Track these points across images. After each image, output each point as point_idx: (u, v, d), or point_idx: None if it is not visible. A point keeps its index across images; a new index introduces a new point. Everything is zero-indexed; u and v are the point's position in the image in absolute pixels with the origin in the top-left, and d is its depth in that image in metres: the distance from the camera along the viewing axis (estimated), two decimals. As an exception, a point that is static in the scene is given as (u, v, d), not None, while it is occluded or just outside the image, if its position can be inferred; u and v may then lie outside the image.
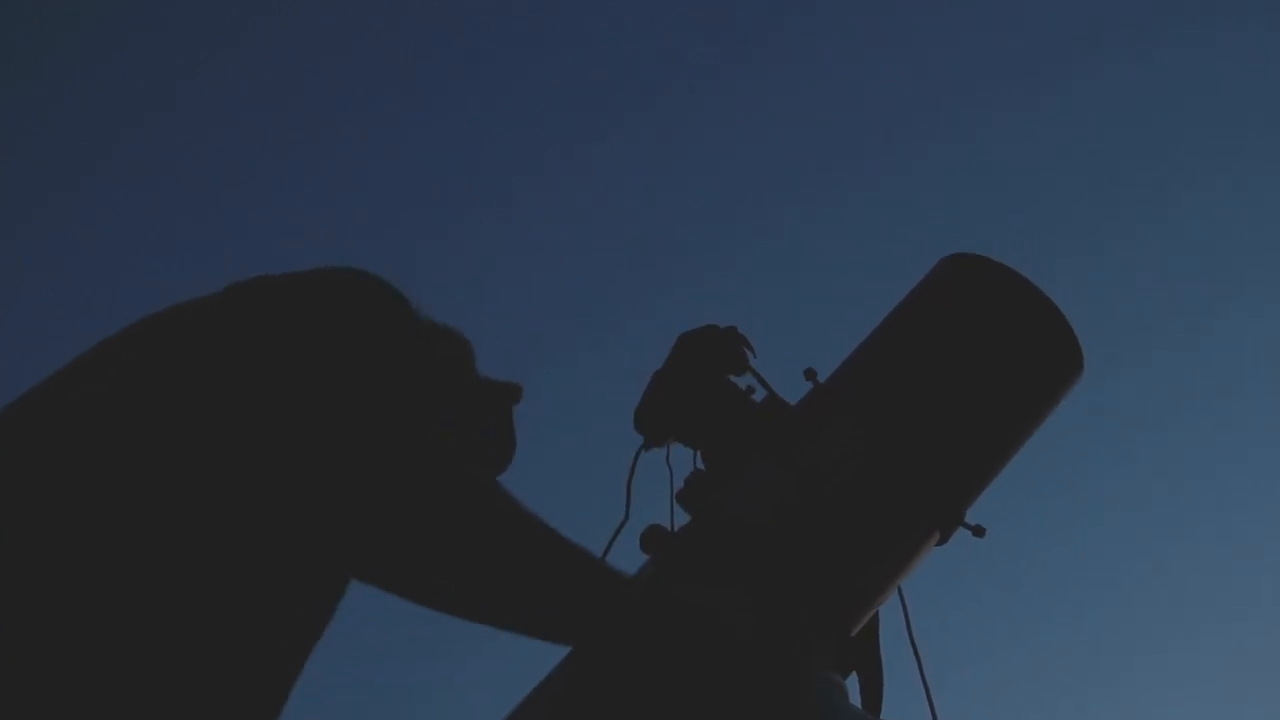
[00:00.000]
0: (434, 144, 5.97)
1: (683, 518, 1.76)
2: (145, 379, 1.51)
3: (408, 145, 5.98)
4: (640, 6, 6.03)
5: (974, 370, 1.77)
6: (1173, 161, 5.83)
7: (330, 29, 5.92)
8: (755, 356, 1.85)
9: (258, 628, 1.49)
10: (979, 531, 1.78)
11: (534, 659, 1.67)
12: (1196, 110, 5.81)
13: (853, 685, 1.73)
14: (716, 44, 6.00)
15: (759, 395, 1.83)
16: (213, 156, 5.85)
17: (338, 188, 5.88)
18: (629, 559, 1.76)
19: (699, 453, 1.82)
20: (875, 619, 1.78)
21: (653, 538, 1.67)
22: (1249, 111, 5.71)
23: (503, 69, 5.91)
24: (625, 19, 6.02)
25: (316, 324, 1.54)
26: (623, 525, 1.80)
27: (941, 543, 1.78)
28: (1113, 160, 5.87)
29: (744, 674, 1.48)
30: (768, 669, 1.49)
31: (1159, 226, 5.83)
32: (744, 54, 6.02)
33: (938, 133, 5.97)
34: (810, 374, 1.79)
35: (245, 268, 1.62)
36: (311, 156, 5.90)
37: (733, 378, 1.83)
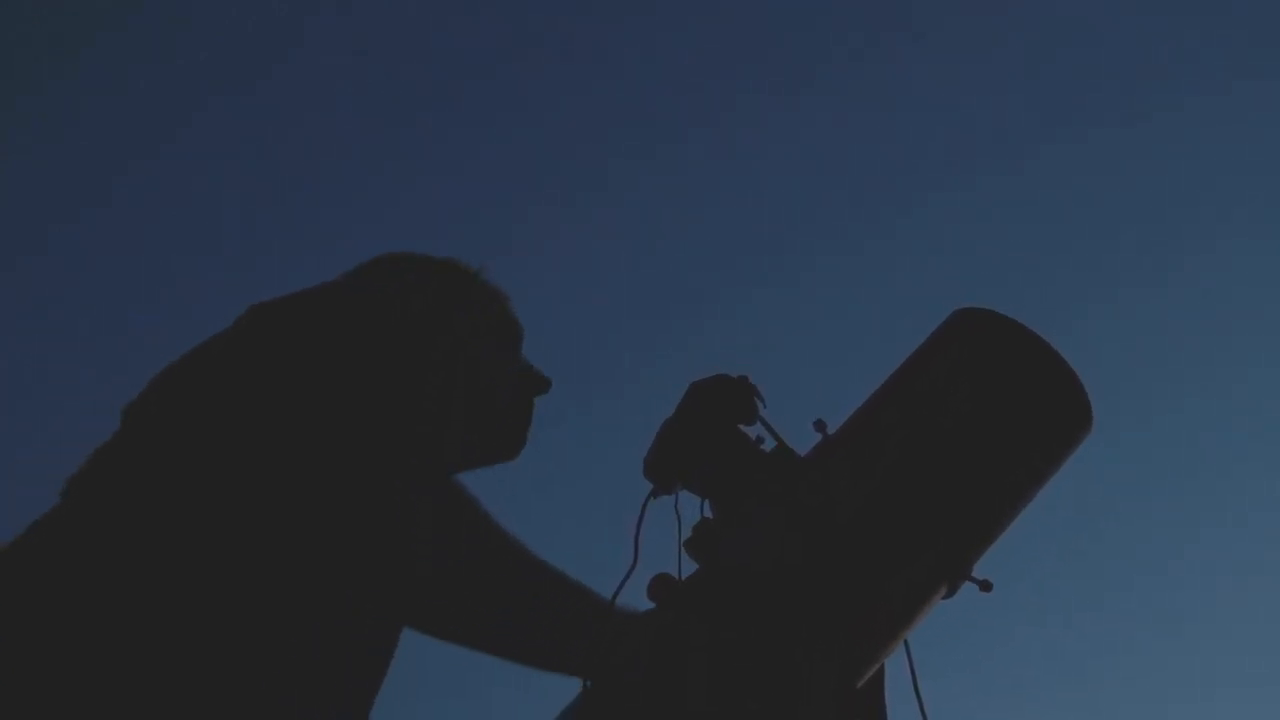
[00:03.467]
0: (437, 179, 6.02)
1: (690, 566, 1.76)
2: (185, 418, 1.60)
3: (425, 168, 6.03)
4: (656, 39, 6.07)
5: (982, 424, 1.77)
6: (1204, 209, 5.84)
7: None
8: (766, 406, 1.86)
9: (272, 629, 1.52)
10: (986, 586, 1.77)
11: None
12: (1212, 164, 5.83)
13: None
14: (729, 84, 6.04)
15: (768, 445, 1.83)
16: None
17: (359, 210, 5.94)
18: (636, 606, 1.77)
19: (707, 501, 1.82)
20: (880, 672, 1.77)
21: (659, 586, 1.67)
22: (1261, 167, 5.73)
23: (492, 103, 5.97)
24: (640, 57, 6.06)
25: (320, 363, 1.62)
26: (630, 572, 1.80)
27: (948, 596, 1.77)
28: (1133, 210, 5.90)
29: None
30: None
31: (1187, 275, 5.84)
32: (763, 94, 6.05)
33: (951, 182, 6.00)
34: (820, 425, 1.80)
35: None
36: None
37: (743, 427, 1.84)
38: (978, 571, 1.77)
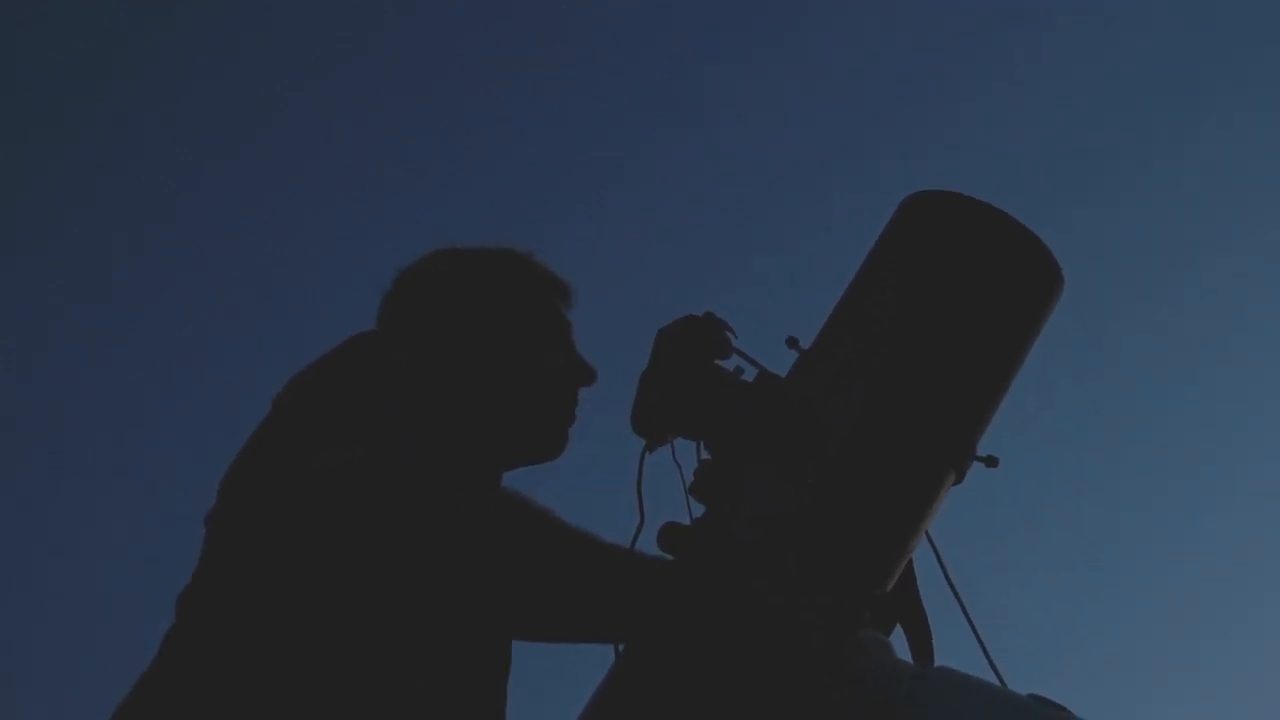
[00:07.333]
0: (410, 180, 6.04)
1: (698, 510, 1.76)
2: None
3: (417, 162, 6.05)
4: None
5: (956, 302, 1.76)
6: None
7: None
8: (737, 337, 1.84)
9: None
10: (992, 462, 1.77)
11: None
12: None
13: (900, 640, 1.73)
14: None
15: (749, 374, 1.82)
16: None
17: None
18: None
19: (702, 443, 1.81)
20: (910, 569, 1.77)
21: (670, 535, 1.66)
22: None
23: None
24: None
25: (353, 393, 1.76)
26: (639, 530, 1.79)
27: (958, 481, 1.77)
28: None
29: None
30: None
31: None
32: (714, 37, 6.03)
33: (893, 95, 5.98)
34: (793, 342, 1.78)
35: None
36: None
37: (719, 362, 1.82)
38: (981, 449, 1.77)
